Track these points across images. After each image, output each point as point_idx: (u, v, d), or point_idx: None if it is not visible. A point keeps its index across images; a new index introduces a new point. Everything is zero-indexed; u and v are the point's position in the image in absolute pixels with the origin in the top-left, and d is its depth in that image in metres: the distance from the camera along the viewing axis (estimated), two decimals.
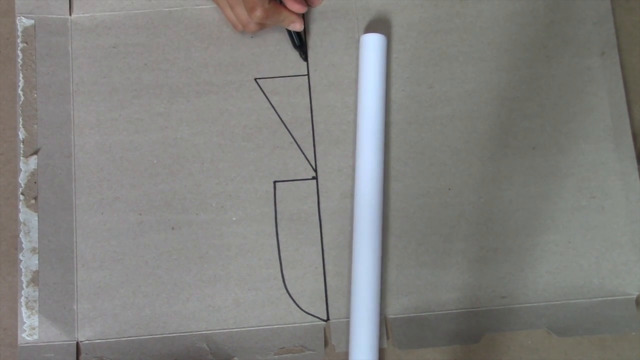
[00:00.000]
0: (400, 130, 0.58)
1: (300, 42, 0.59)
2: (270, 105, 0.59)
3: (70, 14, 0.59)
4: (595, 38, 0.59)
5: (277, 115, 0.59)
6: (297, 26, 0.57)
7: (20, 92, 0.58)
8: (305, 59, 0.59)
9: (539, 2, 0.60)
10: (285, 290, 0.56)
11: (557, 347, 0.56)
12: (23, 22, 0.59)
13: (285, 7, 0.56)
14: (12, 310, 0.56)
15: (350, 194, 0.58)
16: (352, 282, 0.55)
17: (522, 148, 0.58)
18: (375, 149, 0.56)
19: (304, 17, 0.58)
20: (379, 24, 0.60)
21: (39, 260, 0.56)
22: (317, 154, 0.58)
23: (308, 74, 0.59)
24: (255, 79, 0.59)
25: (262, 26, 0.57)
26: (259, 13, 0.54)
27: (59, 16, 0.59)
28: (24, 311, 0.55)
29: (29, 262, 0.56)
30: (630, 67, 0.60)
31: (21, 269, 0.56)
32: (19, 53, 0.58)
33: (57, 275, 0.56)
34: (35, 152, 0.57)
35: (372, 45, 0.57)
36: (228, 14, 0.57)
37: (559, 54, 0.59)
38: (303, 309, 0.56)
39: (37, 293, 0.55)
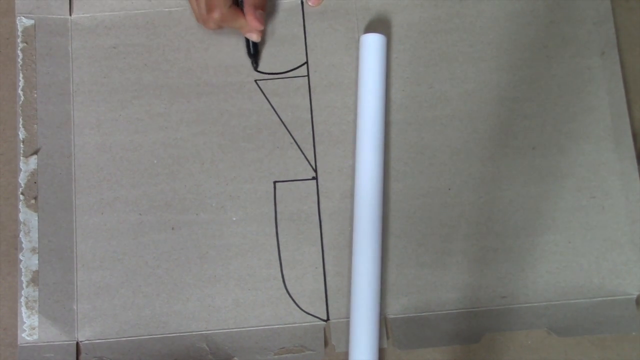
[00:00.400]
0: (400, 130, 0.58)
1: (255, 51, 0.58)
2: (270, 106, 0.59)
3: (70, 14, 0.59)
4: (595, 38, 0.59)
5: (277, 116, 0.59)
6: (254, 37, 0.57)
7: (20, 92, 0.58)
8: (256, 68, 0.59)
9: (539, 2, 0.60)
10: (285, 290, 0.56)
11: (557, 347, 0.56)
12: (23, 22, 0.59)
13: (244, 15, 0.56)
14: (12, 310, 0.56)
15: (350, 194, 0.58)
16: (352, 282, 0.55)
17: (522, 148, 0.58)
18: (375, 149, 0.56)
19: (264, 30, 0.58)
20: (379, 24, 0.60)
21: (39, 260, 0.56)
22: (317, 154, 0.58)
23: (308, 75, 0.59)
24: (256, 80, 0.59)
25: (220, 27, 0.57)
26: (216, 15, 0.55)
27: (59, 16, 0.59)
28: (24, 311, 0.55)
29: (29, 262, 0.56)
30: (630, 67, 0.60)
31: (21, 269, 0.56)
32: (19, 53, 0.58)
33: (57, 275, 0.56)
34: (35, 152, 0.57)
35: (372, 45, 0.57)
36: (193, 5, 0.57)
37: (559, 54, 0.59)
38: (303, 309, 0.56)
39: (37, 293, 0.55)
